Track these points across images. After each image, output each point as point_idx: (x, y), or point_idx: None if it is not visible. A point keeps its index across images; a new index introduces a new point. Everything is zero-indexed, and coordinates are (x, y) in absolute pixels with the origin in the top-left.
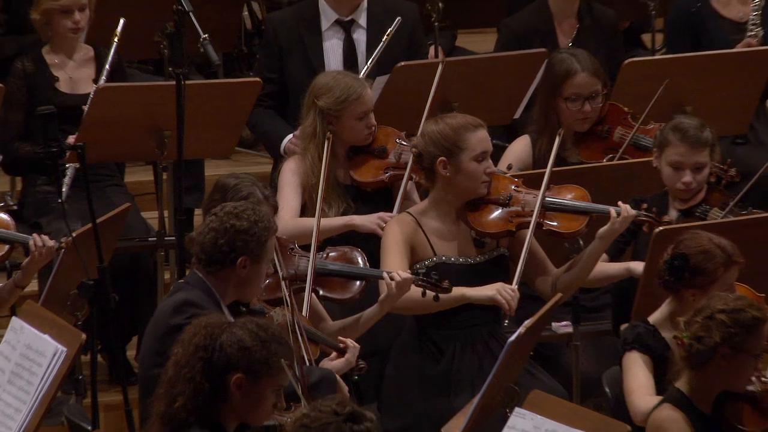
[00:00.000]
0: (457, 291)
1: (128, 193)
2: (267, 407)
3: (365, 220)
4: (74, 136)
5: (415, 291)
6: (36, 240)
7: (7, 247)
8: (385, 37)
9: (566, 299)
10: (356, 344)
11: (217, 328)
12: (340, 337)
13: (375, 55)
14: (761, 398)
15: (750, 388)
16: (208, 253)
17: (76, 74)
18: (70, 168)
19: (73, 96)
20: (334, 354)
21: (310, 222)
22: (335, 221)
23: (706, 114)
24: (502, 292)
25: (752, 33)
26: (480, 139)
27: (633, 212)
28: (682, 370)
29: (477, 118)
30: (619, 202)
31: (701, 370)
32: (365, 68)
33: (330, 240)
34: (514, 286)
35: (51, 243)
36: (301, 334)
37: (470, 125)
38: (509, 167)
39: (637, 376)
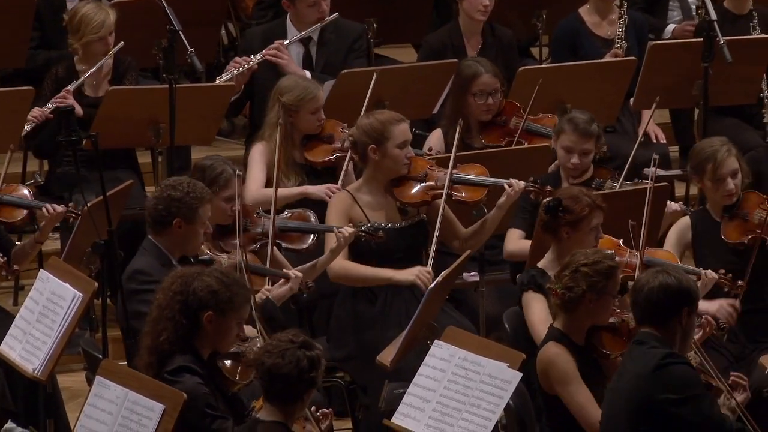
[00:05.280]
0: (385, 273)
1: (133, 172)
2: (232, 337)
3: (317, 189)
4: None
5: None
6: (47, 207)
7: (25, 211)
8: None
9: (473, 254)
10: (299, 273)
11: (189, 277)
12: (285, 270)
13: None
14: (619, 328)
15: (611, 320)
16: (152, 217)
17: (97, 81)
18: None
19: (95, 98)
20: (281, 281)
21: (271, 191)
22: (293, 190)
23: (582, 109)
24: (420, 276)
25: (618, 46)
26: (402, 130)
27: (522, 184)
28: (558, 313)
29: (400, 113)
30: (511, 179)
31: (573, 312)
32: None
33: (289, 205)
34: (429, 268)
35: (60, 209)
36: (246, 271)
37: (394, 120)
38: (430, 149)
39: (537, 311)
